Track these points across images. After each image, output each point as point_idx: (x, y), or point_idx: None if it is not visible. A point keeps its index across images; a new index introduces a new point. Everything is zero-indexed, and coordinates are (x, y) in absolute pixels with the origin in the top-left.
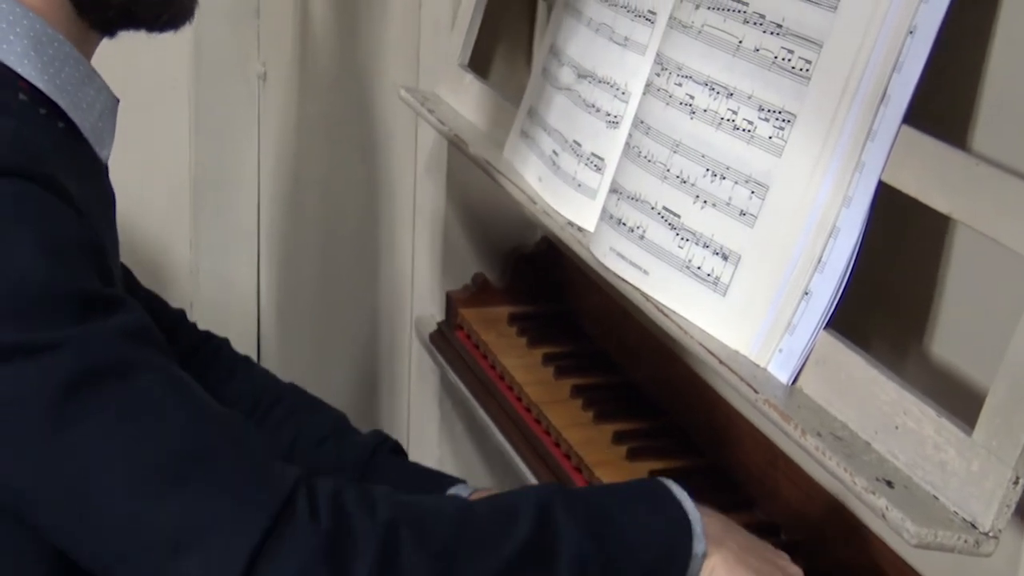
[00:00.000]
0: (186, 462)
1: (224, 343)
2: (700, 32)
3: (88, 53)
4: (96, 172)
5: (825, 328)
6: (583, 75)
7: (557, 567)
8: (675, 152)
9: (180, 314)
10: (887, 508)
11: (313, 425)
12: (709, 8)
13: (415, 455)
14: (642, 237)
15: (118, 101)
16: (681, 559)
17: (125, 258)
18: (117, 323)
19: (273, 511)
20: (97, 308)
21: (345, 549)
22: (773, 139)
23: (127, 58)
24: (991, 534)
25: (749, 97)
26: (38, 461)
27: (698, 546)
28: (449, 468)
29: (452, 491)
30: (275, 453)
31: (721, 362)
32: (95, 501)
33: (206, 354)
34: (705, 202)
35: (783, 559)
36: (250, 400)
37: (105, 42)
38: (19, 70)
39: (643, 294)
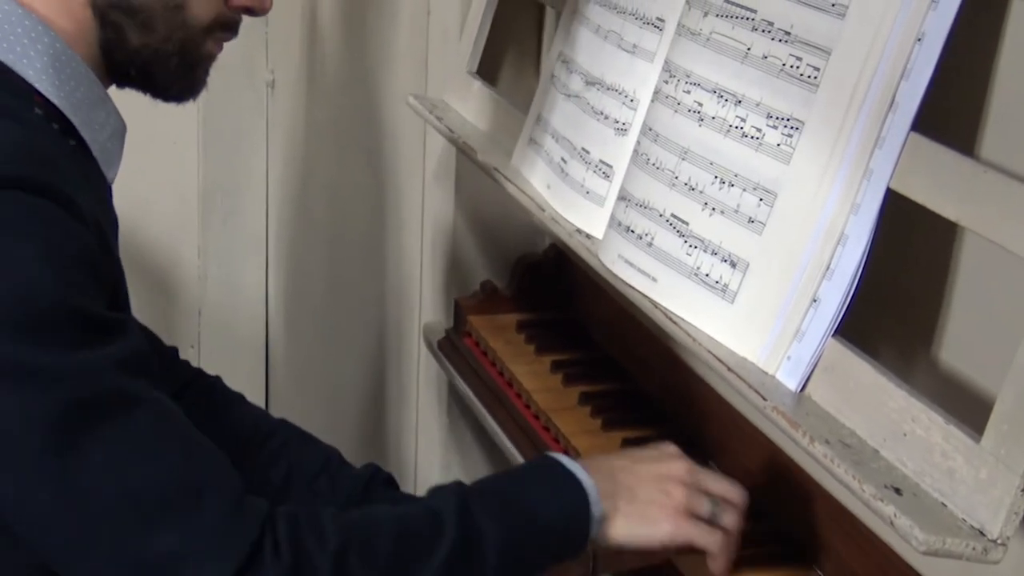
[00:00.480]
0: (172, 497)
1: (216, 381)
2: (708, 39)
3: (105, 80)
4: (103, 192)
5: (833, 335)
6: (591, 82)
7: (484, 561)
8: (683, 159)
9: (173, 352)
10: (895, 515)
11: (307, 460)
12: (717, 15)
13: (423, 462)
14: (650, 244)
15: (126, 128)
16: (583, 527)
17: (133, 265)
18: (116, 351)
19: (247, 548)
20: (99, 332)
21: None
22: (781, 146)
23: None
24: (999, 541)
25: (757, 104)
26: (28, 483)
27: (595, 509)
28: (457, 475)
29: None
30: (260, 488)
31: (729, 369)
32: (82, 528)
33: (199, 391)
34: (713, 209)
35: (664, 461)
36: (243, 436)
37: None
38: (37, 85)
39: (651, 301)
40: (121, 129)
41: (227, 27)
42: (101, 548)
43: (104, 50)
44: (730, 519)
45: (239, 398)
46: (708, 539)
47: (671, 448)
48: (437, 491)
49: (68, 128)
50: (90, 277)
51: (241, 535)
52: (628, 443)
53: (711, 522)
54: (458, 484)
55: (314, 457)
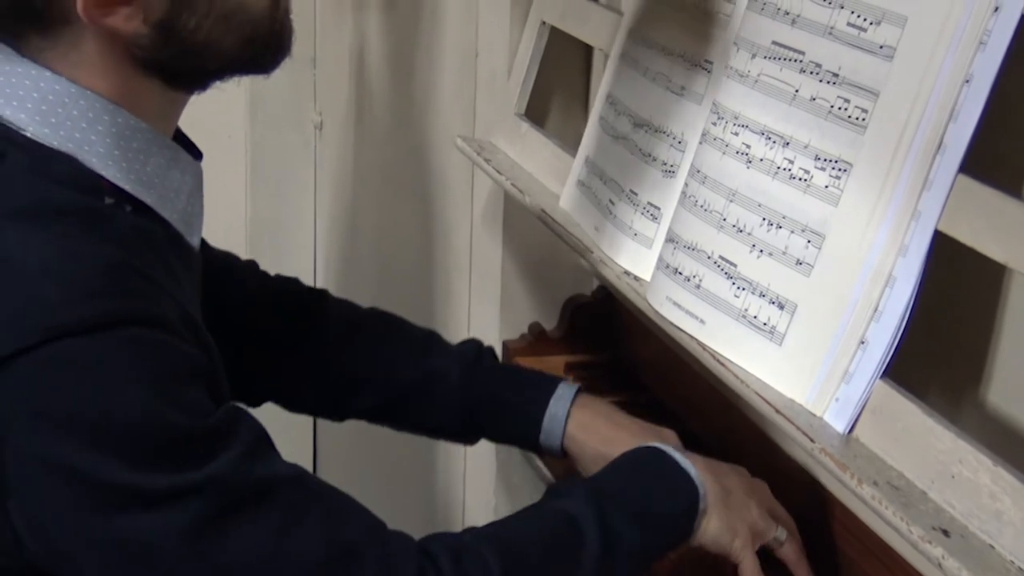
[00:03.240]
0: (328, 565)
1: (294, 282)
2: (757, 81)
3: (175, 117)
4: (188, 258)
5: (881, 377)
6: (639, 124)
7: (620, 564)
8: (731, 201)
9: (253, 266)
10: (943, 557)
11: (409, 342)
12: (766, 57)
13: (471, 503)
14: (698, 286)
15: (201, 159)
16: (693, 523)
17: None
18: (242, 447)
19: None
20: (219, 438)
21: None
22: (829, 188)
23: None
24: None
25: (805, 146)
26: None
27: (702, 505)
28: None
29: (560, 389)
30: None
31: (777, 411)
32: None
33: (288, 299)
34: (761, 251)
35: (749, 477)
36: (341, 327)
37: None
38: (104, 173)
39: (699, 343)
40: (198, 176)
41: None
42: None
43: (172, 83)
44: (791, 550)
45: (322, 293)
46: (751, 568)
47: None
48: (567, 493)
49: (144, 206)
50: (197, 387)
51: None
52: None
53: (770, 547)
54: (584, 485)
55: (417, 336)
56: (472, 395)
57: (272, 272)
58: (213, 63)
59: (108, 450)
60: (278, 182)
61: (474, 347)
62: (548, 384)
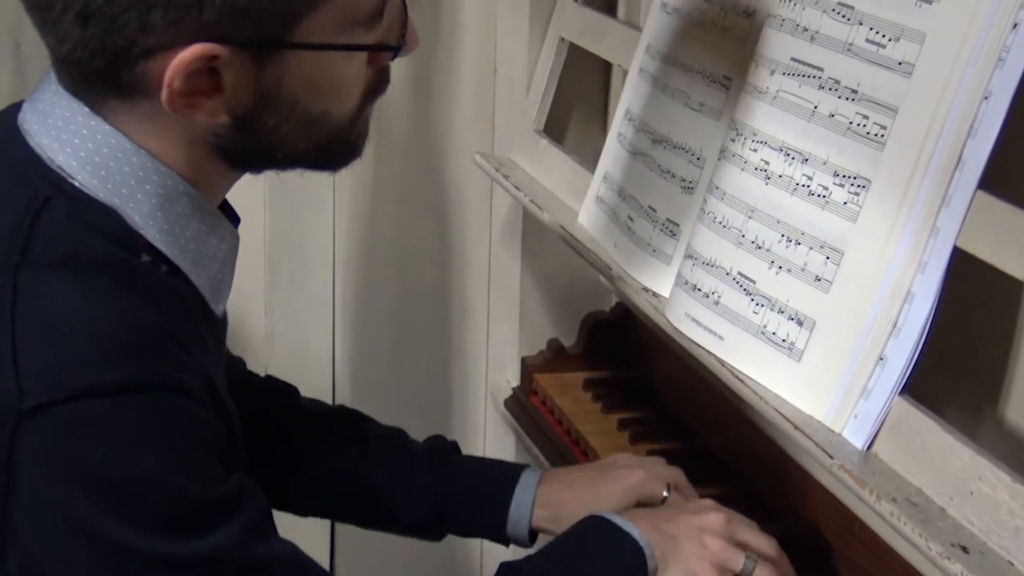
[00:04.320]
0: None
1: (268, 380)
2: (775, 98)
3: (227, 190)
4: (213, 324)
5: (900, 393)
6: (658, 140)
7: None
8: (750, 218)
9: (239, 362)
10: (962, 574)
11: (376, 442)
12: (784, 74)
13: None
14: (717, 303)
15: (238, 240)
16: None
17: None
18: (246, 521)
19: None
20: (224, 510)
21: None
22: (848, 204)
23: None
24: None
25: (824, 163)
26: None
27: (651, 564)
28: None
29: (524, 476)
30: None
31: (796, 427)
32: None
33: (263, 396)
34: (780, 267)
35: (702, 513)
36: (311, 426)
37: None
38: (144, 232)
39: (718, 359)
40: (234, 247)
41: (380, 86)
42: None
43: (235, 166)
44: (764, 574)
45: (295, 392)
46: None
47: (708, 501)
48: (518, 570)
49: (176, 269)
50: (211, 455)
51: None
52: None
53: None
54: (534, 563)
55: (385, 436)
56: (440, 493)
57: (290, 292)
58: (282, 159)
59: (114, 510)
60: (297, 199)
61: (440, 445)
62: (511, 475)
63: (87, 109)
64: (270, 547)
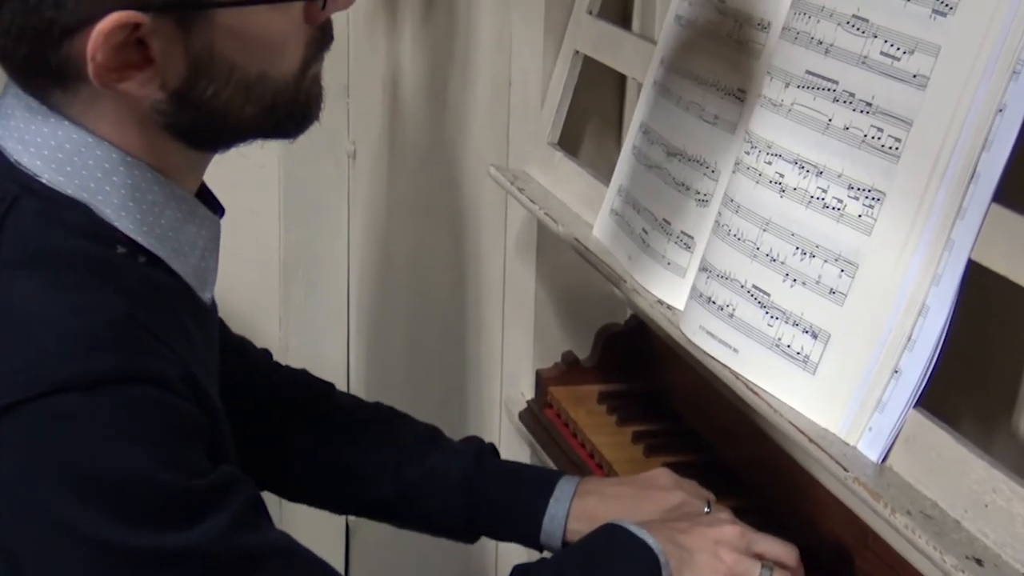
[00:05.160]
0: None
1: (303, 375)
2: (790, 110)
3: (199, 173)
4: (200, 313)
5: (915, 406)
6: (673, 153)
7: None
8: (765, 230)
9: (266, 355)
10: None
11: (412, 439)
12: (799, 86)
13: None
14: (732, 315)
15: (220, 227)
16: None
17: None
18: (232, 512)
19: None
20: (211, 500)
21: None
22: (863, 217)
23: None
24: None
25: (839, 175)
26: None
27: (665, 572)
28: None
29: (560, 486)
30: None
31: (811, 440)
32: None
33: (297, 392)
34: (795, 280)
35: (716, 525)
36: (348, 422)
37: None
38: (117, 224)
39: (733, 372)
40: (215, 232)
41: (321, 43)
42: None
43: (193, 144)
44: None
45: (330, 386)
46: None
47: (723, 513)
48: (532, 574)
49: (157, 259)
50: (194, 446)
51: None
52: None
53: None
54: (547, 567)
55: (420, 435)
56: (473, 496)
57: (305, 303)
58: (233, 129)
59: (96, 505)
60: (312, 211)
61: (476, 446)
62: (547, 484)
63: (44, 108)
64: (261, 537)
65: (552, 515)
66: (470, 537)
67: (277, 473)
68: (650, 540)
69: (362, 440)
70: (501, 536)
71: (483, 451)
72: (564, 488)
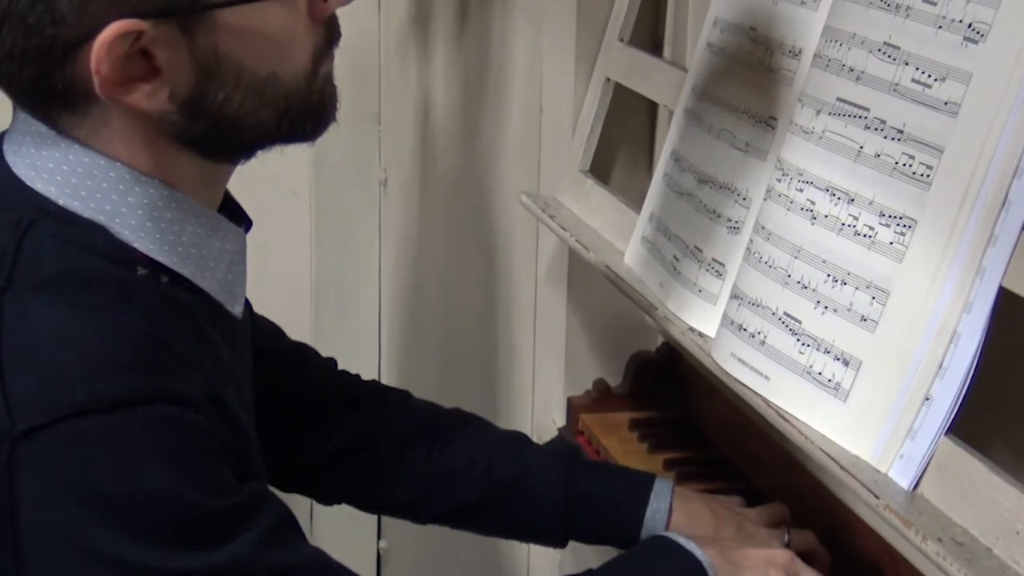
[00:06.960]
0: None
1: (375, 383)
2: (821, 138)
3: (219, 185)
4: (229, 328)
5: (946, 434)
6: (704, 180)
7: None
8: (796, 258)
9: (331, 363)
10: None
11: (501, 440)
12: (830, 114)
13: (536, 561)
14: (763, 343)
15: (245, 240)
16: None
17: None
18: (262, 530)
19: None
20: (239, 519)
21: None
22: (894, 244)
23: (248, 166)
24: None
25: (870, 203)
26: None
27: None
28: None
29: (659, 483)
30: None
31: (842, 467)
32: None
33: (375, 398)
34: (826, 308)
35: (768, 546)
36: (433, 424)
37: None
38: (136, 245)
39: (764, 400)
40: (241, 246)
41: (329, 40)
42: None
43: (209, 155)
44: None
45: (406, 394)
46: None
47: (776, 534)
48: None
49: (180, 277)
50: (220, 465)
51: None
52: None
53: None
54: (588, 574)
55: (506, 438)
56: (571, 493)
57: (336, 330)
58: (248, 136)
59: (121, 528)
60: (343, 238)
61: (565, 445)
62: (645, 480)
63: (53, 133)
64: (291, 554)
65: (654, 509)
66: (561, 538)
67: (357, 483)
68: (698, 553)
69: (451, 441)
70: (598, 535)
71: (576, 449)
72: (662, 485)
